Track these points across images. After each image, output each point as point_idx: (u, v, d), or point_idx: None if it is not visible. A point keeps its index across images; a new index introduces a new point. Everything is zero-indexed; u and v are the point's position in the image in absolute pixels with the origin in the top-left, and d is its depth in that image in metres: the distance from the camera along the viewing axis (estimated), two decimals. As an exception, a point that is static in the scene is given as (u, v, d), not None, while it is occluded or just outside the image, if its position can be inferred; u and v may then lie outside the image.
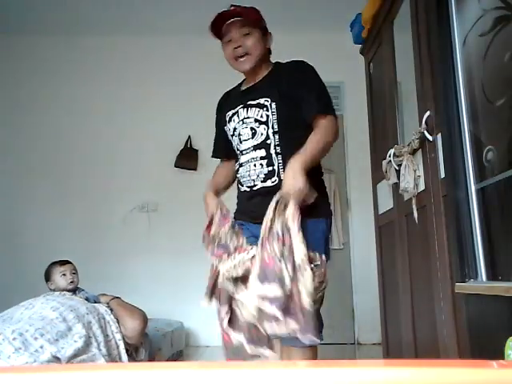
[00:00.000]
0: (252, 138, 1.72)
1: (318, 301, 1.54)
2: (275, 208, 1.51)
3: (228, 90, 1.97)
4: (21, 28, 4.20)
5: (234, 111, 1.79)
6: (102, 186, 4.22)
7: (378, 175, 2.61)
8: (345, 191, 4.32)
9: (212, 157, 1.99)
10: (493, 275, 1.42)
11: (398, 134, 2.31)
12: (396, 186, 2.22)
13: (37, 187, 4.20)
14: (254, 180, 1.72)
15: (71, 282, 2.32)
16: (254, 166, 1.71)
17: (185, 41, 4.28)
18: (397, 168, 2.16)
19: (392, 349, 2.53)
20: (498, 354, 1.22)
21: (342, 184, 4.31)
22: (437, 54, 1.75)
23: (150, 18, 4.08)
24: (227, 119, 1.82)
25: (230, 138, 1.83)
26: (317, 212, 1.63)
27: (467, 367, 0.59)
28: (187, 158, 4.20)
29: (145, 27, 4.23)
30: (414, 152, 2.05)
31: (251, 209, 1.73)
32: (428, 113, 1.89)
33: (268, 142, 1.69)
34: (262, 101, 1.71)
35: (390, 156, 2.22)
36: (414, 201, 2.00)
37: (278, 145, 1.68)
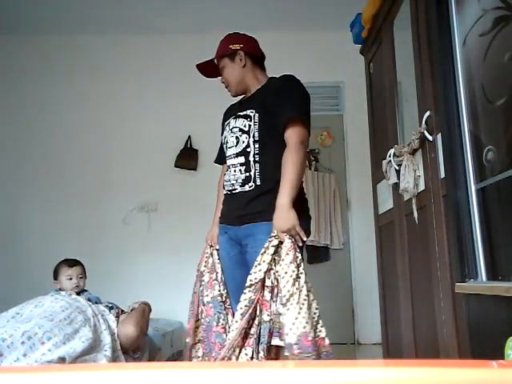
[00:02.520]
0: (235, 145, 1.87)
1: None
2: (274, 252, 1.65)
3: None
4: (31, 29, 4.21)
5: (228, 121, 1.97)
6: (102, 185, 4.22)
7: (378, 175, 2.61)
8: (345, 191, 4.32)
9: (214, 162, 2.16)
10: (493, 275, 1.42)
11: (397, 133, 2.30)
12: (396, 185, 2.22)
13: (37, 187, 4.20)
14: (233, 184, 1.86)
15: (76, 287, 2.42)
16: (235, 171, 1.85)
17: (186, 40, 4.28)
18: (397, 168, 2.16)
19: (392, 349, 2.53)
20: (498, 354, 1.22)
21: (342, 184, 4.31)
22: (437, 54, 1.75)
23: (152, 17, 4.07)
24: (224, 128, 2.00)
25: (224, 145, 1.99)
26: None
27: (467, 367, 0.59)
28: (187, 158, 4.20)
29: (146, 26, 4.23)
30: (414, 152, 2.05)
31: (229, 212, 1.89)
32: (428, 113, 1.89)
33: (248, 150, 1.83)
34: (248, 112, 1.87)
35: (390, 156, 2.22)
36: (414, 201, 2.00)
37: (257, 153, 1.82)
